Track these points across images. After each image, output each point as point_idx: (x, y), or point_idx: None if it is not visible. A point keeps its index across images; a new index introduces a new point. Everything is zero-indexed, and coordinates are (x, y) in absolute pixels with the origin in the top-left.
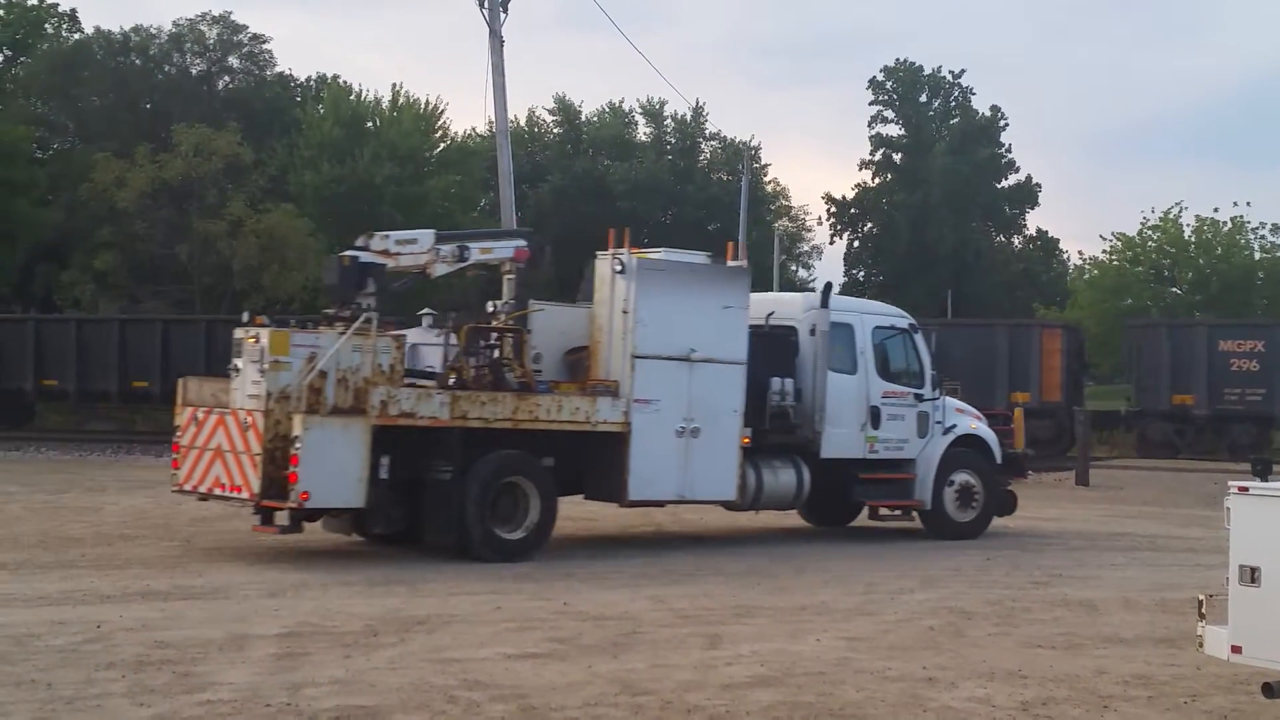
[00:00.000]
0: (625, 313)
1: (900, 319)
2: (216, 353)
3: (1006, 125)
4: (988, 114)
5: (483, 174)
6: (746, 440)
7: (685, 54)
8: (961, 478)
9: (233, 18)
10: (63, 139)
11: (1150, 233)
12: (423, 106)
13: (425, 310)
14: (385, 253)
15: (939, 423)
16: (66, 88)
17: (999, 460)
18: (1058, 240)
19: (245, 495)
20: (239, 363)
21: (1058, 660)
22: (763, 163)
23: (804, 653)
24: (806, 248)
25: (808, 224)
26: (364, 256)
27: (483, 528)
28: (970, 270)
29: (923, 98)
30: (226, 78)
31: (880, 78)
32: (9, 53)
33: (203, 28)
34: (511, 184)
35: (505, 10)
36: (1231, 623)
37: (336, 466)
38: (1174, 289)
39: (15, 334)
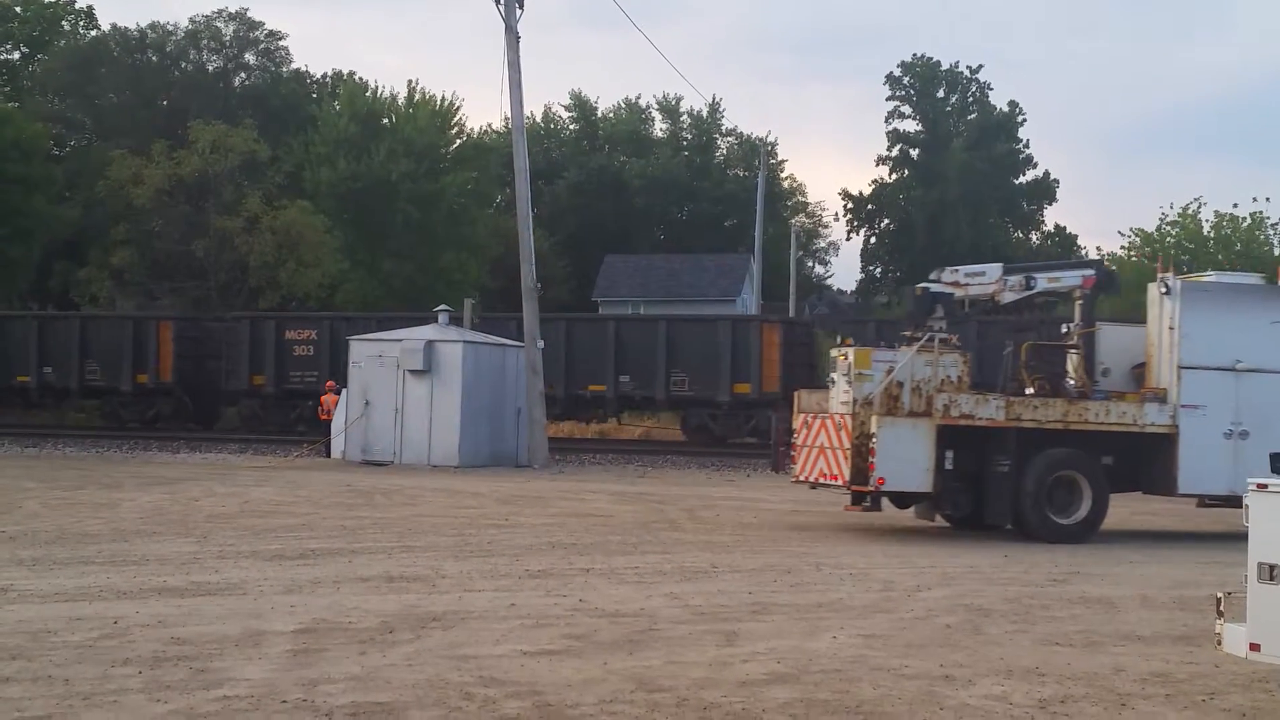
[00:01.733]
0: (1171, 329)
1: None
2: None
3: (1024, 121)
4: (1005, 109)
5: (498, 170)
6: None
7: (701, 49)
8: None
9: (249, 14)
10: (80, 136)
11: (1169, 228)
12: (438, 103)
13: (441, 308)
14: (955, 284)
15: None
16: (83, 85)
17: None
18: (1076, 236)
19: (840, 482)
20: (834, 376)
21: (1076, 658)
22: (779, 158)
23: (821, 650)
24: (823, 244)
25: (824, 220)
26: (934, 287)
27: (1038, 514)
28: None
29: (940, 93)
30: (243, 74)
31: (898, 73)
32: (26, 50)
33: (219, 24)
34: (527, 180)
35: (521, 6)
36: (1250, 620)
37: (906, 458)
38: None
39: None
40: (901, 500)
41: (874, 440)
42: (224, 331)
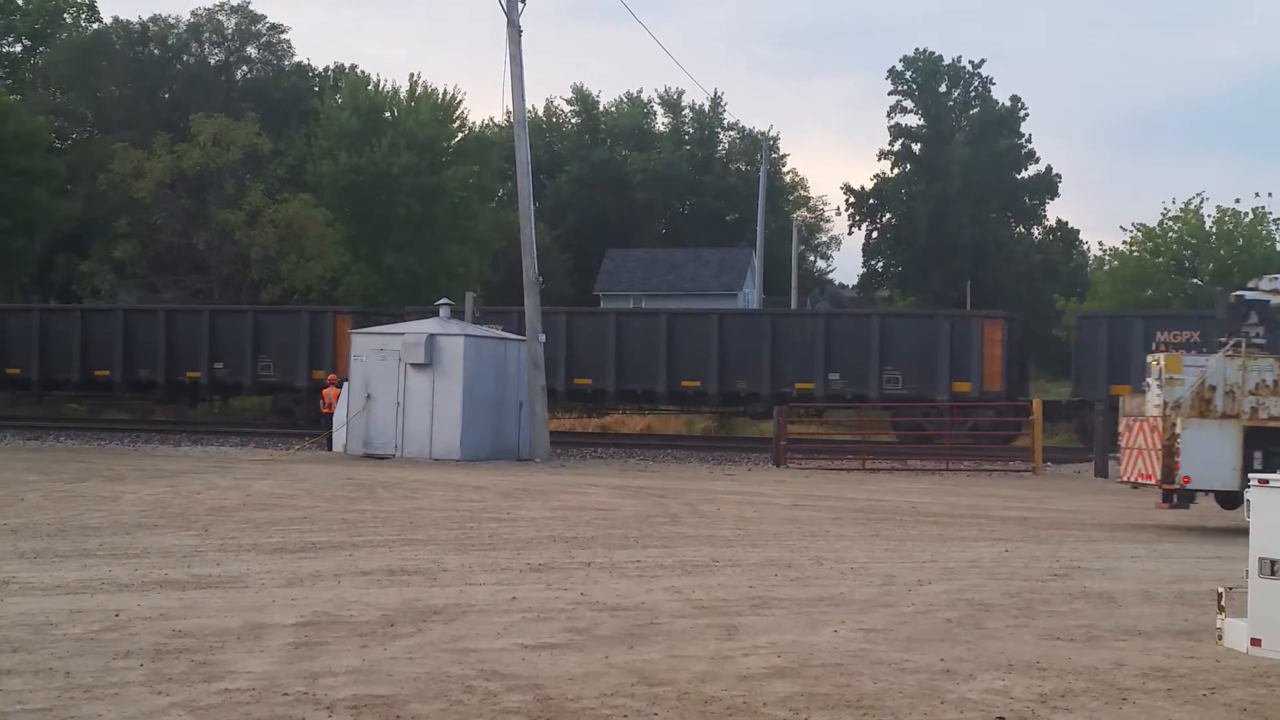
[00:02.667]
0: None
1: None
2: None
3: (1026, 115)
4: (1007, 104)
5: (500, 164)
6: None
7: (703, 43)
8: None
9: (251, 7)
10: (81, 129)
11: (1171, 223)
12: (440, 97)
13: (443, 301)
14: (1275, 291)
15: None
16: (85, 78)
17: None
18: (1078, 231)
19: (1153, 481)
20: (1149, 380)
21: (1076, 652)
22: (781, 153)
23: (821, 644)
24: (825, 238)
25: (826, 214)
26: (1249, 294)
27: None
28: (989, 261)
29: (942, 88)
30: (245, 68)
31: (900, 67)
32: (28, 43)
33: (221, 18)
34: (529, 174)
35: (523, 0)
36: (1251, 615)
37: (1213, 458)
38: (1195, 280)
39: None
40: (1228, 500)
41: (1179, 441)
42: None
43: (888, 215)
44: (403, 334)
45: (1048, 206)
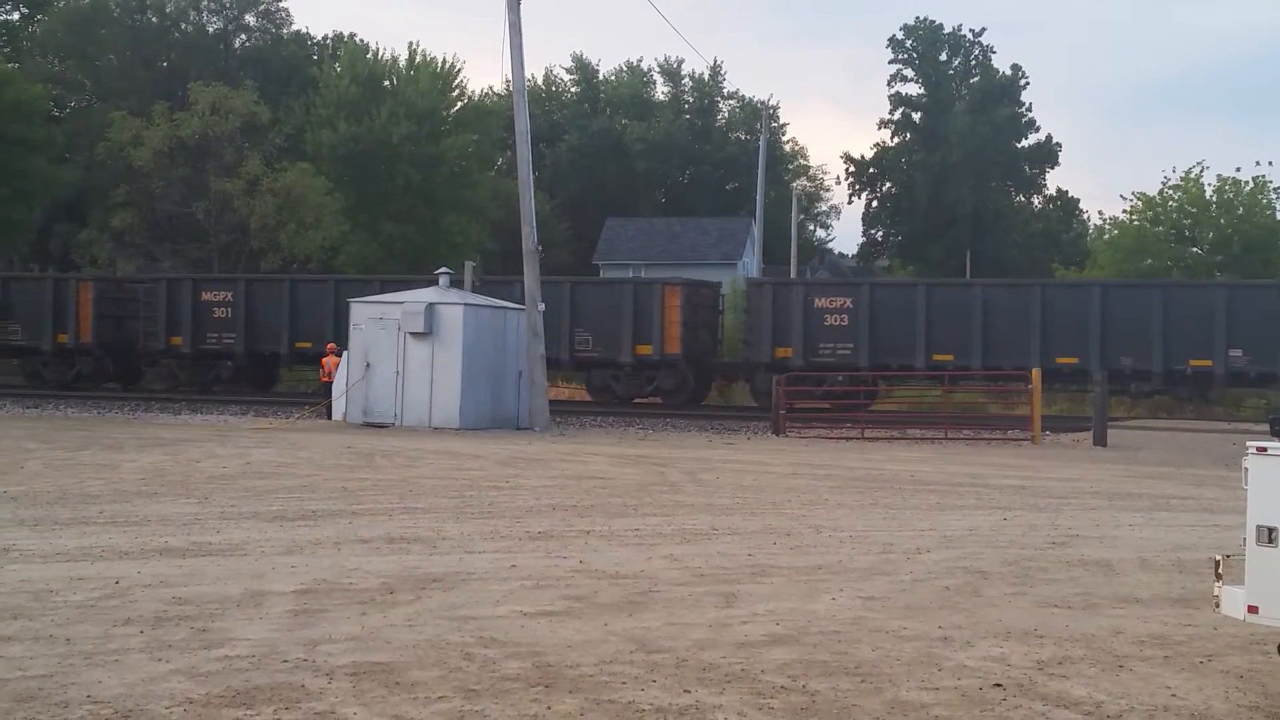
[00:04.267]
0: None
1: None
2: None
3: (1027, 84)
4: (1008, 73)
5: (499, 133)
6: None
7: (703, 11)
8: None
9: None
10: (80, 97)
11: (1171, 192)
12: (440, 65)
13: (442, 270)
14: None
15: None
16: (83, 46)
17: None
18: (1078, 200)
19: None
20: None
21: (1074, 620)
22: (781, 122)
23: (820, 612)
24: (825, 207)
25: (826, 184)
26: None
27: None
28: (990, 231)
29: (943, 56)
30: (243, 36)
31: (900, 36)
32: (26, 10)
33: None
34: (529, 143)
35: None
36: (1248, 583)
37: None
38: (1194, 249)
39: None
40: None
41: None
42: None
43: (888, 184)
44: (402, 303)
45: (1048, 176)
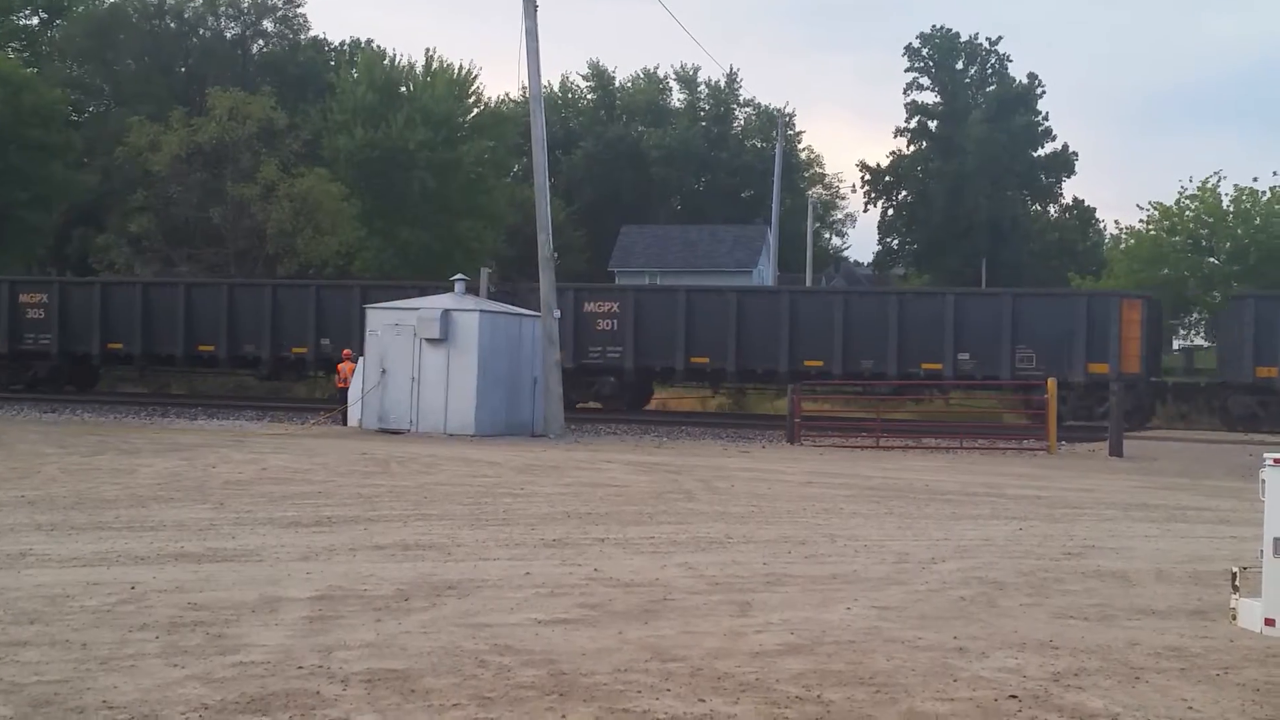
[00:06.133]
0: None
1: None
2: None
3: (1043, 93)
4: (1024, 81)
5: (516, 139)
6: None
7: (719, 19)
8: None
9: None
10: (98, 102)
11: (1188, 202)
12: (456, 72)
13: (458, 276)
14: None
15: None
16: (102, 51)
17: None
18: (1094, 209)
19: None
20: None
21: (1090, 631)
22: (797, 130)
23: (834, 621)
24: (840, 215)
25: (842, 191)
26: None
27: None
28: (1006, 239)
29: (959, 65)
30: (260, 41)
31: (916, 44)
32: (45, 16)
33: None
34: (544, 149)
35: None
36: (1265, 595)
37: None
38: (1211, 259)
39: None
40: None
41: None
42: None
43: (904, 193)
44: (418, 309)
45: (1064, 184)
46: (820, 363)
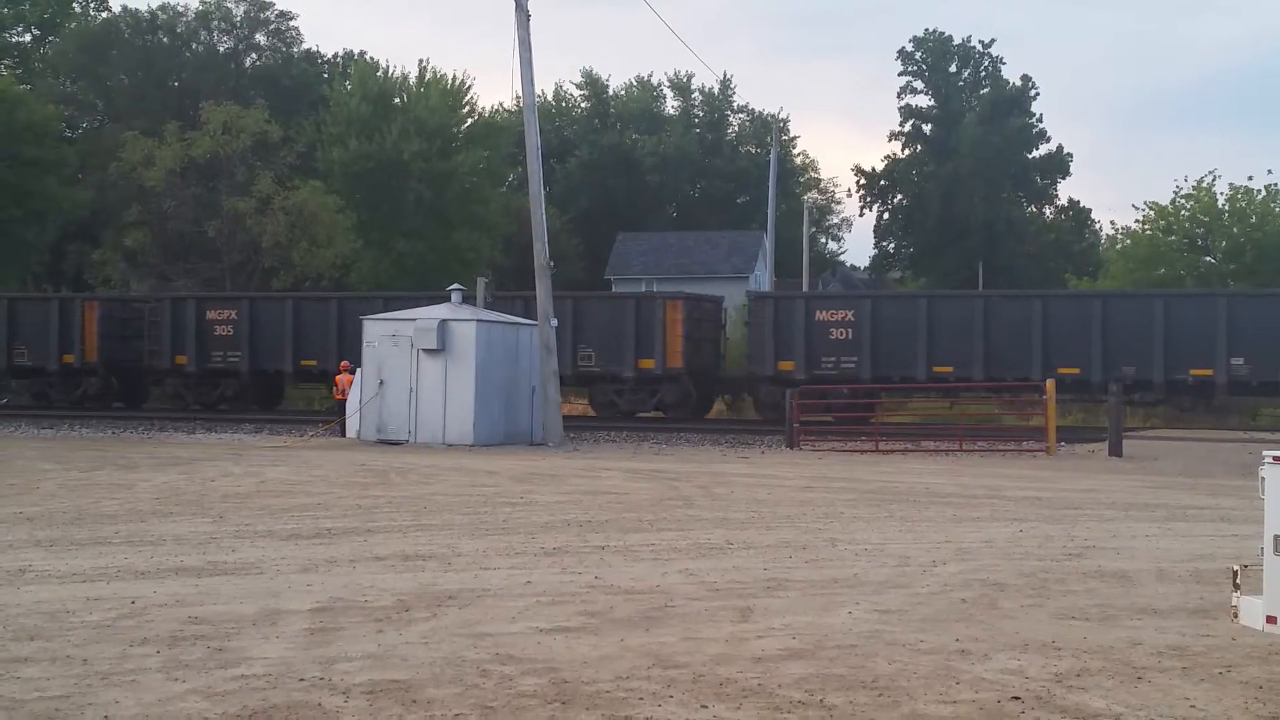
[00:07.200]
0: None
1: None
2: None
3: (1037, 95)
4: (1018, 84)
5: (510, 149)
6: None
7: (712, 25)
8: None
9: None
10: (92, 118)
11: (1183, 201)
12: (450, 82)
13: (454, 286)
14: None
15: None
16: (95, 66)
17: None
18: (1089, 210)
19: None
20: None
21: (1091, 632)
22: (791, 135)
23: (836, 625)
24: (836, 220)
25: (837, 196)
26: None
27: None
28: (1001, 241)
29: (952, 68)
30: (254, 55)
31: (910, 48)
32: (38, 32)
33: (229, 5)
34: (539, 159)
35: None
36: (1267, 593)
37: None
38: (1207, 258)
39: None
40: None
41: None
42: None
43: (899, 196)
44: (415, 319)
45: (1059, 186)
46: (1076, 369)
